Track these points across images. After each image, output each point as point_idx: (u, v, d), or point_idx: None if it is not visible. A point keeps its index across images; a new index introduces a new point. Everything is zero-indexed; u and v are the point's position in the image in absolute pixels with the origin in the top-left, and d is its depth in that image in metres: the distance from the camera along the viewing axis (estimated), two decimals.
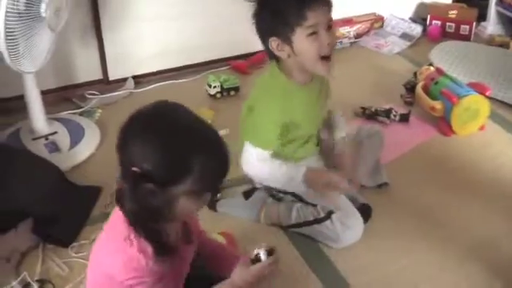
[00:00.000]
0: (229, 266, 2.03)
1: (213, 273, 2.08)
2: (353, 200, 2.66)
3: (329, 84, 2.74)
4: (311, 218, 2.57)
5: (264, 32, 2.43)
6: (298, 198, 2.68)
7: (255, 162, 2.53)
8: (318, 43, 2.35)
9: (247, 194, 2.76)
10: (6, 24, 2.61)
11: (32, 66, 2.92)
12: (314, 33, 2.34)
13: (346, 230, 2.54)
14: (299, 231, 2.63)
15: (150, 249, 1.67)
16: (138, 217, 1.65)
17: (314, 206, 2.61)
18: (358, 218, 2.58)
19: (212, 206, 2.77)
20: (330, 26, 2.39)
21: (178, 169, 1.63)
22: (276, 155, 2.59)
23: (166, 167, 1.62)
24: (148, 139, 1.64)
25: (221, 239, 2.43)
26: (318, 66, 2.42)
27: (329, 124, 2.83)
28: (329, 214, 2.55)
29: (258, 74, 3.94)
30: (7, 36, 2.64)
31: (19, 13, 2.66)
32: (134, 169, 1.61)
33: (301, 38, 2.35)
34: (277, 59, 2.48)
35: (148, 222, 1.67)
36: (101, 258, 1.75)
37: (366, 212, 2.69)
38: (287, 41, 2.37)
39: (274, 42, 2.40)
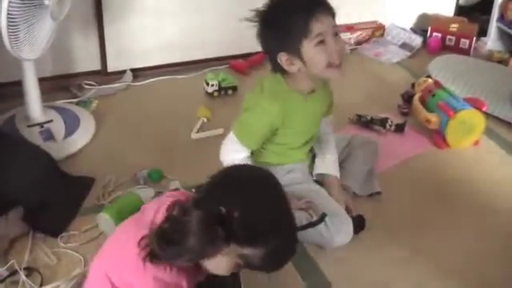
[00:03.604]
0: None
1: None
2: (347, 211, 2.67)
3: (332, 98, 2.78)
4: (305, 223, 2.56)
5: (272, 49, 2.46)
6: None
7: (231, 152, 2.57)
8: (326, 51, 2.38)
9: None
10: (8, 10, 2.61)
11: (32, 53, 2.91)
12: (321, 42, 2.36)
13: (339, 233, 2.54)
14: None
15: (185, 283, 1.70)
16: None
17: (305, 209, 2.61)
18: (347, 219, 2.59)
19: None
20: (337, 32, 2.41)
21: (257, 234, 1.64)
22: (259, 159, 2.66)
23: (249, 231, 1.63)
24: (250, 189, 1.69)
25: None
26: (327, 73, 2.46)
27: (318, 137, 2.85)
28: (322, 218, 2.54)
29: (256, 75, 3.96)
30: (9, 22, 2.64)
31: (23, 0, 2.66)
32: (221, 208, 1.61)
33: (309, 49, 2.37)
34: (283, 72, 2.50)
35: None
36: (125, 269, 1.73)
37: (360, 223, 2.70)
38: (296, 54, 2.39)
39: (283, 58, 2.42)
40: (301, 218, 2.57)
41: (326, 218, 2.53)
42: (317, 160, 2.84)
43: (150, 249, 1.65)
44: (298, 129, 2.63)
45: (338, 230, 2.54)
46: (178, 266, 1.69)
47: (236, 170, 1.77)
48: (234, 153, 2.56)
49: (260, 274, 1.95)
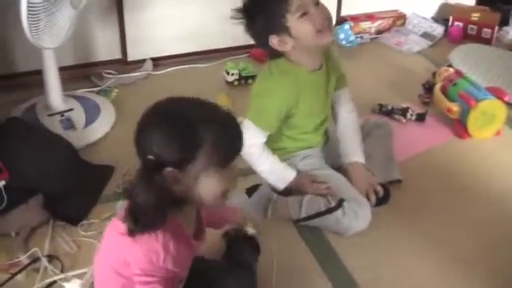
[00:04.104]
0: (225, 217, 2.22)
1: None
2: (368, 197, 2.67)
3: (340, 69, 2.80)
4: (323, 209, 2.56)
5: (262, 37, 2.52)
6: None
7: (246, 140, 2.55)
8: (311, 19, 2.44)
9: (250, 191, 2.74)
10: None
11: (52, 42, 2.92)
12: (304, 13, 2.43)
13: (357, 218, 2.54)
14: (308, 223, 2.62)
15: (172, 245, 1.67)
16: (151, 209, 1.63)
17: (323, 195, 2.61)
18: (366, 205, 2.58)
19: None
20: (317, 1, 2.48)
21: (188, 144, 1.64)
22: (275, 145, 2.68)
23: (177, 146, 1.64)
24: (155, 124, 1.69)
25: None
26: (319, 40, 2.49)
27: (334, 114, 2.88)
28: (340, 203, 2.54)
29: None
30: (29, 11, 2.65)
31: None
32: (149, 157, 1.63)
33: (294, 23, 2.44)
34: (281, 54, 2.55)
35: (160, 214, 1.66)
36: (120, 244, 1.72)
37: (384, 196, 2.71)
38: (284, 32, 2.46)
39: (274, 40, 2.49)
40: (319, 203, 2.57)
41: (344, 203, 2.53)
42: (341, 146, 2.83)
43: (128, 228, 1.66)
44: (310, 107, 2.64)
45: (356, 215, 2.53)
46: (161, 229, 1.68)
47: (141, 119, 1.74)
48: (249, 140, 2.54)
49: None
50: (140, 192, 1.62)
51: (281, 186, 2.68)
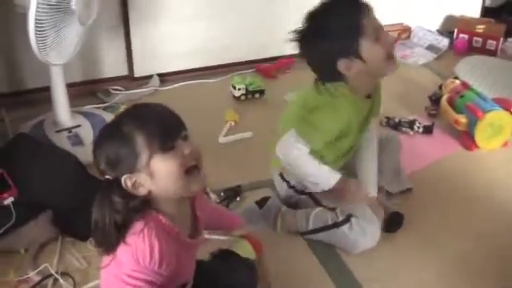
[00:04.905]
0: (230, 221, 2.22)
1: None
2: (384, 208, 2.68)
3: (380, 101, 2.77)
4: (330, 223, 2.56)
5: (328, 59, 2.44)
6: (314, 199, 2.70)
7: (295, 149, 2.55)
8: (384, 44, 2.41)
9: (261, 203, 2.74)
10: (36, 15, 2.63)
11: (60, 58, 2.94)
12: (377, 38, 2.39)
13: (364, 235, 2.53)
14: (316, 237, 2.62)
15: (157, 246, 1.68)
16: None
17: (332, 209, 2.60)
18: (375, 223, 2.56)
19: None
20: (382, 26, 2.45)
21: (123, 145, 1.67)
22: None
23: (114, 153, 1.68)
24: (96, 147, 1.75)
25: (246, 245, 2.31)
26: (387, 66, 2.48)
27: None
28: (348, 218, 2.54)
29: (283, 78, 3.98)
30: (37, 27, 2.66)
31: (50, 5, 2.68)
32: (107, 177, 1.70)
33: (368, 46, 2.39)
34: (340, 79, 2.49)
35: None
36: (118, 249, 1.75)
37: (397, 220, 2.71)
38: (355, 54, 2.40)
39: (342, 64, 2.42)
40: (327, 217, 2.57)
41: (352, 219, 2.53)
42: (357, 168, 2.80)
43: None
44: (354, 134, 2.62)
45: (363, 231, 2.52)
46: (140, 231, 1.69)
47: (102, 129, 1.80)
48: (297, 150, 2.54)
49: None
50: (96, 211, 1.71)
51: (326, 186, 2.61)
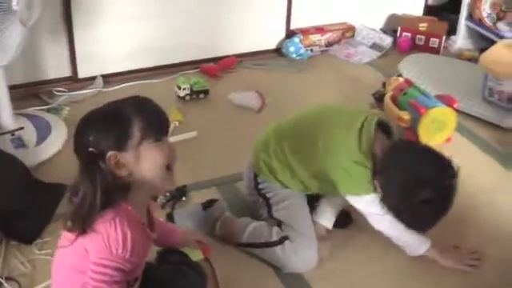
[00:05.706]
0: (176, 236, 2.24)
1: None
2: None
3: None
4: (262, 241, 2.54)
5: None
6: (268, 206, 2.65)
7: (378, 209, 2.48)
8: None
9: (206, 206, 2.73)
10: None
11: (1, 59, 2.89)
12: None
13: (298, 259, 2.49)
14: (250, 251, 2.59)
15: (130, 235, 1.71)
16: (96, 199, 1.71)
17: (278, 224, 2.56)
18: (313, 248, 2.52)
19: (170, 217, 2.72)
20: None
21: (119, 124, 1.75)
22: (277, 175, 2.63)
23: (110, 128, 1.74)
24: (88, 121, 1.79)
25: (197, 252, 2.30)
26: None
27: None
28: (282, 240, 2.50)
29: (227, 78, 3.97)
30: None
31: None
32: (90, 149, 1.72)
33: None
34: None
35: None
36: (78, 240, 1.75)
37: (346, 218, 2.75)
38: None
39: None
40: (262, 233, 2.56)
41: (286, 242, 2.49)
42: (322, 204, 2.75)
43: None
44: None
45: (296, 256, 2.48)
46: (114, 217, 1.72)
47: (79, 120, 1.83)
48: (379, 209, 2.47)
49: None
50: (85, 184, 1.70)
51: (421, 250, 2.57)
